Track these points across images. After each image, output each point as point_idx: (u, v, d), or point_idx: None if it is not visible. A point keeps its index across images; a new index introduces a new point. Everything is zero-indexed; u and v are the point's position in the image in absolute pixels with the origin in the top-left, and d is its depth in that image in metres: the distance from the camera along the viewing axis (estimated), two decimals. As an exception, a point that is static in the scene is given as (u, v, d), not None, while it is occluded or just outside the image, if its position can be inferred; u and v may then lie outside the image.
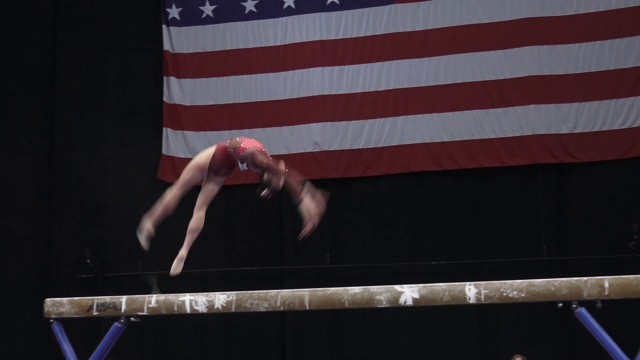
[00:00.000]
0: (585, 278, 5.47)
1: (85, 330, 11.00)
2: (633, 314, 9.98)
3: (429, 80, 11.63)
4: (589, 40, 11.23)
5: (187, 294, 6.04)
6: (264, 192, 6.38)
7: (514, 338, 11.05)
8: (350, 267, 11.62)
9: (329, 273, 11.53)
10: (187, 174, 6.95)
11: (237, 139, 6.79)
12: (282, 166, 6.44)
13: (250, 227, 12.07)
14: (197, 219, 6.89)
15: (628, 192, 11.03)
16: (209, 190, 6.92)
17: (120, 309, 6.12)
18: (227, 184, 11.92)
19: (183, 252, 6.79)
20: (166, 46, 12.33)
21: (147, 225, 6.76)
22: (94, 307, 6.17)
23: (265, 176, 6.37)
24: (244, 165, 6.74)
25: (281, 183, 6.40)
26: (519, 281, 5.58)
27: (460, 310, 10.74)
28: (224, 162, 6.83)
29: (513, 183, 11.46)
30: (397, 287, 5.72)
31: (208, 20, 12.28)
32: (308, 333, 11.69)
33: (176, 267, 6.76)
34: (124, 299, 6.14)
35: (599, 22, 11.23)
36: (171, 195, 6.88)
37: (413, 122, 11.60)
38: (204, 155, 6.93)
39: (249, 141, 6.72)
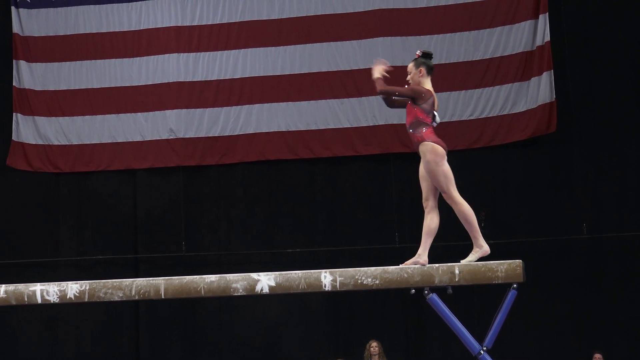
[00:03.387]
0: (437, 265, 5.64)
1: None
2: (482, 299, 10.31)
3: (284, 69, 11.70)
4: (439, 33, 11.53)
5: (38, 283, 5.88)
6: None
7: (369, 323, 11.26)
8: (206, 255, 11.58)
9: (185, 261, 11.45)
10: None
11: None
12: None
13: (102, 215, 11.83)
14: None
15: (476, 180, 11.38)
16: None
17: (-32, 301, 5.92)
18: (78, 170, 11.74)
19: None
20: (15, 29, 11.94)
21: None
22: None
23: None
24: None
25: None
26: (373, 268, 5.70)
27: (316, 297, 10.87)
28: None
29: (366, 171, 11.65)
30: (254, 275, 5.74)
31: (59, 3, 11.95)
32: (163, 323, 11.58)
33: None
34: (-29, 289, 5.94)
35: (449, 15, 11.54)
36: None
37: (269, 110, 11.65)
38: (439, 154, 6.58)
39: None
